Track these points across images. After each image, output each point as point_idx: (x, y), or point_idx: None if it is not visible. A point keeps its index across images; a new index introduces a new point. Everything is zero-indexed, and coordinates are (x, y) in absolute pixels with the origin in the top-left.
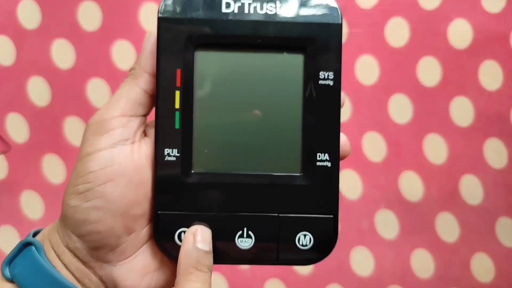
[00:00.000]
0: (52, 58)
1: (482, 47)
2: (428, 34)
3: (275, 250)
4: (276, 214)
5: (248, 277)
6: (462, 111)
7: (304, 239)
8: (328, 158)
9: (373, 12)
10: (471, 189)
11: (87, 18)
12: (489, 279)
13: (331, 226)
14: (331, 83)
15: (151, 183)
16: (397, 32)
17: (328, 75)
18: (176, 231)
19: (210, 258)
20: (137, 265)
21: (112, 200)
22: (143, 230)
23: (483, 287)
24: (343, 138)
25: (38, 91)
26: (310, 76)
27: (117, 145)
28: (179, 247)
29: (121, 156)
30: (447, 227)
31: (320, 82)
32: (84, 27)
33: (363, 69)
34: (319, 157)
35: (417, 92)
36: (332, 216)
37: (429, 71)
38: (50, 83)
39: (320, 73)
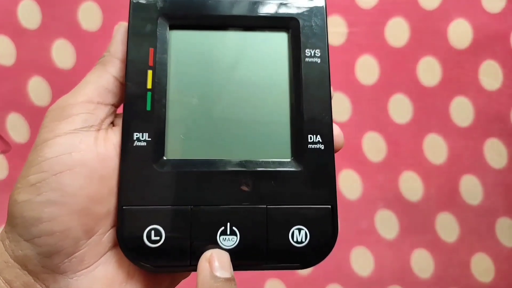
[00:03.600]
0: (52, 58)
1: (482, 47)
2: (428, 34)
3: (264, 249)
4: (265, 206)
5: (247, 277)
6: (462, 111)
7: (299, 235)
8: (320, 140)
9: (373, 12)
10: (471, 189)
11: (88, 18)
12: (489, 279)
13: (330, 218)
14: (318, 60)
15: (118, 177)
16: (397, 32)
17: (314, 52)
18: (144, 230)
19: (233, 285)
20: (99, 277)
21: (69, 193)
22: (107, 234)
23: (483, 287)
24: (337, 130)
25: (38, 91)
26: (295, 53)
27: (79, 131)
28: (149, 249)
29: (83, 143)
30: (447, 227)
31: (307, 59)
32: (84, 27)
33: (363, 69)
34: (311, 139)
35: (417, 92)
36: (330, 206)
37: (429, 71)
38: (50, 83)
39: (306, 51)
